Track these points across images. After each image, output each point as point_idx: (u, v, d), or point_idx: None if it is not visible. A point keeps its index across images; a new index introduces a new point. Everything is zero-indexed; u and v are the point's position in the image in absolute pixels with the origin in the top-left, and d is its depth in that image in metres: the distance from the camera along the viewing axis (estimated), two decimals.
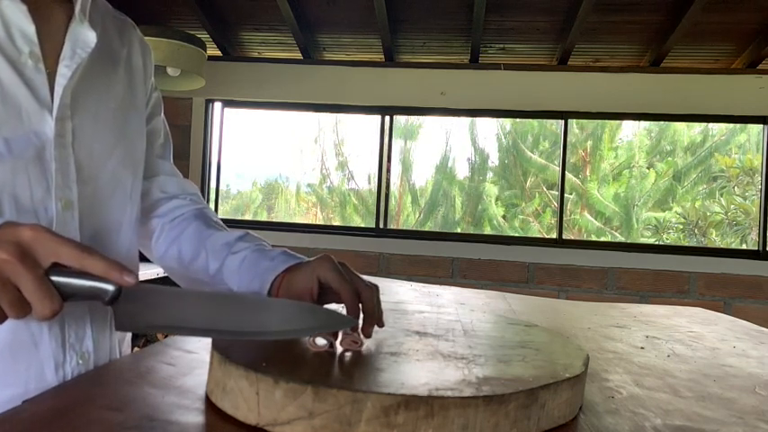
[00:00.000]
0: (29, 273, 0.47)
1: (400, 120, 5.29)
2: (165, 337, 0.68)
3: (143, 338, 2.83)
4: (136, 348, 2.81)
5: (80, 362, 0.66)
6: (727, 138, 5.55)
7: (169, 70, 2.81)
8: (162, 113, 0.90)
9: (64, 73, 0.65)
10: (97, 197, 0.70)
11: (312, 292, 0.66)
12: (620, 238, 5.65)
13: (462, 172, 5.88)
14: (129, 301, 0.51)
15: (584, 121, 5.31)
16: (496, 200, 5.73)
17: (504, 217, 5.74)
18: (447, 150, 5.68)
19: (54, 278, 0.49)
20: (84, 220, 0.67)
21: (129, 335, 0.80)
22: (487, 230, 5.63)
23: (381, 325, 0.66)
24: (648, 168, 5.77)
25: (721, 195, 5.48)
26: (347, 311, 0.63)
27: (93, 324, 0.69)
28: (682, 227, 5.59)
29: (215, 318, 0.53)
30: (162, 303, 0.53)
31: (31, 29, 0.62)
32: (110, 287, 0.50)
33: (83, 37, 0.67)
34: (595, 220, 5.67)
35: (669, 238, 5.56)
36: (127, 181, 0.75)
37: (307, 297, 0.66)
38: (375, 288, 0.66)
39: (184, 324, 0.53)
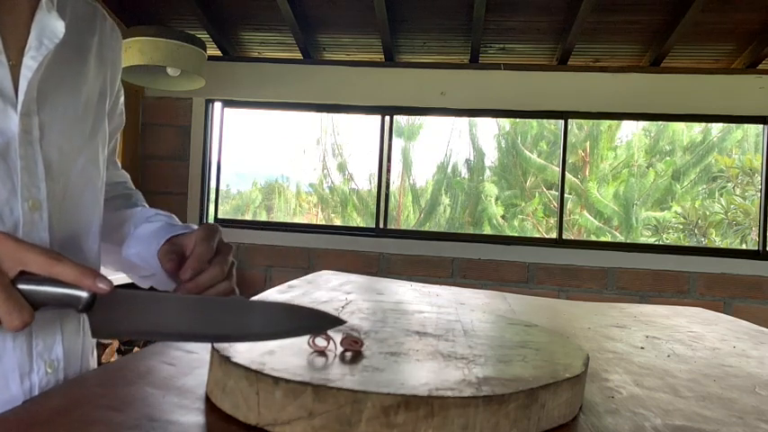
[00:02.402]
0: None
1: (400, 120, 5.29)
2: None
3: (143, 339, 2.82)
4: (136, 348, 2.81)
5: (49, 371, 0.63)
6: (723, 135, 5.55)
7: (169, 70, 2.81)
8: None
9: (30, 65, 0.61)
10: (67, 197, 0.66)
11: (183, 249, 0.67)
12: (620, 238, 5.65)
13: (462, 172, 5.89)
14: (104, 308, 0.49)
15: (584, 121, 5.31)
16: (496, 200, 5.74)
17: (503, 217, 5.75)
18: (447, 150, 5.69)
19: (22, 287, 0.47)
20: (53, 222, 0.64)
21: (93, 342, 0.77)
22: (487, 230, 5.63)
23: (198, 290, 0.65)
24: (648, 168, 5.78)
25: (721, 195, 5.49)
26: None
27: (63, 331, 0.65)
28: (681, 227, 5.59)
29: (195, 321, 0.51)
30: (139, 309, 0.50)
31: None
32: (83, 294, 0.48)
33: (50, 26, 0.63)
34: (595, 219, 5.68)
35: (669, 238, 5.56)
36: (97, 179, 0.72)
37: (175, 253, 0.66)
38: (225, 273, 0.66)
39: (163, 329, 0.51)
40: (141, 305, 0.51)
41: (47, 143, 0.63)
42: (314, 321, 0.54)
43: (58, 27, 0.63)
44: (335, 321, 0.53)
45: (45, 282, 0.48)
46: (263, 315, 0.53)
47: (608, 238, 5.59)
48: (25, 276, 0.47)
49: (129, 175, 0.91)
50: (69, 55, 0.68)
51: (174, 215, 0.80)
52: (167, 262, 0.65)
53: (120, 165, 0.89)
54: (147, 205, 0.85)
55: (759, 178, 3.61)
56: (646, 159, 5.83)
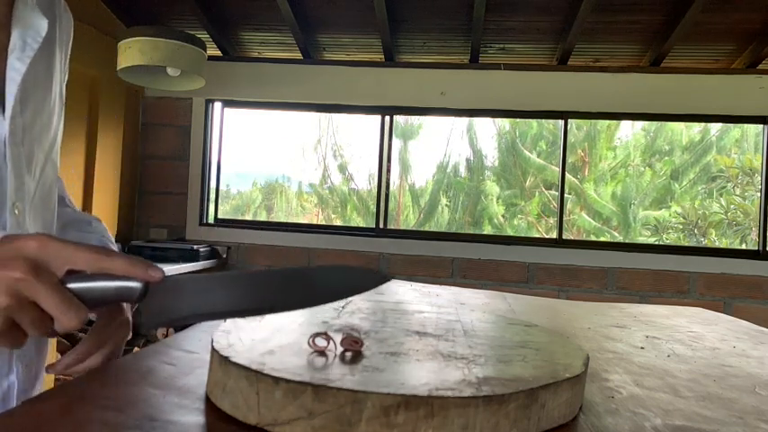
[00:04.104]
0: (46, 287, 0.44)
1: (400, 120, 5.29)
2: (166, 336, 0.66)
3: (143, 338, 2.83)
4: (136, 348, 2.81)
5: (25, 371, 0.63)
6: (722, 134, 5.56)
7: (169, 70, 2.81)
8: None
9: (17, 68, 0.57)
10: (37, 196, 0.64)
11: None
12: (619, 237, 5.65)
13: (462, 172, 5.90)
14: (154, 296, 0.48)
15: (583, 121, 5.31)
16: (497, 199, 5.74)
17: (503, 216, 5.75)
18: (447, 150, 5.69)
19: (73, 285, 0.46)
20: (27, 222, 0.61)
21: (49, 347, 0.75)
22: (487, 230, 5.63)
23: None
24: (646, 168, 5.79)
25: (721, 195, 5.49)
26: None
27: None
28: (681, 227, 5.59)
29: (243, 297, 0.50)
30: (189, 292, 0.50)
31: None
32: (137, 284, 0.47)
33: (34, 25, 0.59)
34: (593, 219, 5.68)
35: (669, 238, 5.56)
36: (56, 174, 0.69)
37: None
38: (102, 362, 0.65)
39: (214, 309, 0.50)
40: (187, 288, 0.50)
41: (27, 144, 0.61)
42: (360, 280, 0.51)
43: (42, 25, 0.60)
44: (382, 278, 0.51)
45: (95, 278, 0.47)
46: (310, 281, 0.51)
47: (607, 238, 5.59)
48: (74, 275, 0.47)
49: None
50: (42, 50, 0.64)
51: (101, 221, 0.75)
52: None
53: None
54: (75, 206, 0.82)
55: (759, 178, 3.61)
56: (644, 159, 5.84)
